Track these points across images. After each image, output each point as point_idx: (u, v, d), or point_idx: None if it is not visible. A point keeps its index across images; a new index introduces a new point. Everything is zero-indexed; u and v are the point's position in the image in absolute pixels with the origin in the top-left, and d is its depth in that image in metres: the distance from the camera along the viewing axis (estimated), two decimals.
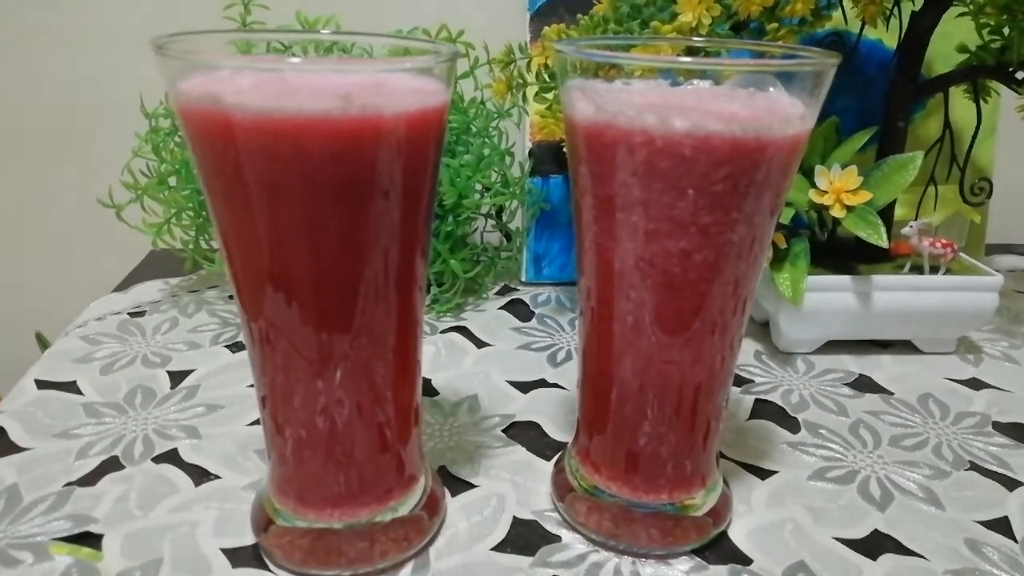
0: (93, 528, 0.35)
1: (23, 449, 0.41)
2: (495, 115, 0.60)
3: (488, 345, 0.54)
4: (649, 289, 0.30)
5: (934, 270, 0.52)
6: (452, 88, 0.30)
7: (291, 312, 0.29)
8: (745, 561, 0.34)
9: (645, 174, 0.28)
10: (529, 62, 0.53)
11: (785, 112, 0.28)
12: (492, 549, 0.34)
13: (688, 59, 0.32)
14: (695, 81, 0.30)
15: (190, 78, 0.26)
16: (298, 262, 0.28)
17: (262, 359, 0.31)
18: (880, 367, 0.52)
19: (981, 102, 0.55)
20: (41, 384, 0.47)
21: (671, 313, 0.31)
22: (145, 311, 0.58)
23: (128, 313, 0.57)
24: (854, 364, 0.52)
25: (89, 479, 0.38)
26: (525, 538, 0.35)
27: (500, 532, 0.35)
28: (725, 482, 0.37)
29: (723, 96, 0.29)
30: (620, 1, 0.47)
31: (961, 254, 0.53)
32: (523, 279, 0.65)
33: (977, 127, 0.54)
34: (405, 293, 0.31)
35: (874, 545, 0.35)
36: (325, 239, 0.28)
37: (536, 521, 0.36)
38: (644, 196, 0.28)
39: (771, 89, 0.29)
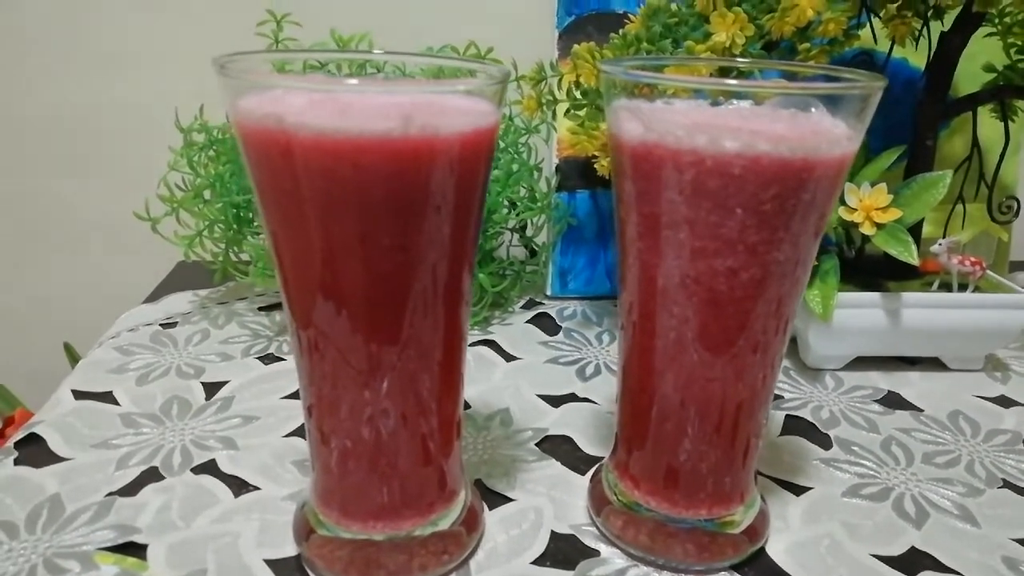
0: (137, 538, 0.35)
1: (63, 459, 0.41)
2: (523, 131, 0.60)
3: (517, 359, 0.54)
4: (694, 306, 0.31)
5: (962, 288, 0.52)
6: (502, 109, 0.30)
7: (341, 323, 0.30)
8: None
9: (693, 193, 0.28)
10: (560, 79, 0.54)
11: (833, 133, 0.28)
12: (532, 563, 0.35)
13: (739, 81, 0.33)
14: (735, 101, 0.31)
15: (250, 97, 0.27)
16: (350, 276, 0.29)
17: (310, 368, 0.32)
18: (908, 384, 0.52)
19: (1008, 121, 0.55)
20: (78, 394, 0.48)
21: (715, 330, 0.31)
22: (176, 322, 0.58)
23: (160, 324, 0.58)
24: (883, 381, 0.53)
25: (130, 489, 0.39)
26: (564, 552, 0.36)
27: (539, 546, 0.36)
28: (762, 498, 0.38)
29: (766, 116, 0.29)
30: (653, 21, 0.48)
31: (989, 272, 0.54)
32: (548, 293, 0.65)
33: (1005, 146, 0.55)
34: (452, 307, 0.32)
35: (912, 562, 0.35)
36: (378, 254, 0.28)
37: (574, 535, 0.37)
38: (692, 215, 0.29)
39: (813, 110, 0.30)
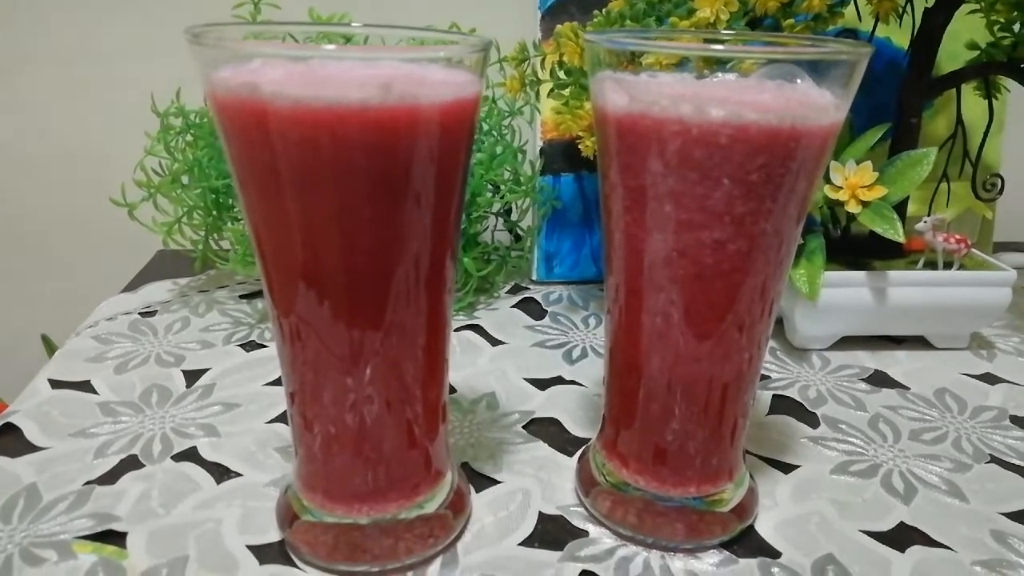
0: (116, 526, 0.35)
1: (40, 448, 0.40)
2: (507, 113, 0.59)
3: (503, 343, 0.54)
4: (681, 281, 0.30)
5: (947, 265, 0.52)
6: (484, 80, 0.30)
7: (322, 306, 0.29)
8: (774, 554, 0.34)
9: (679, 164, 0.28)
10: (543, 59, 0.53)
11: (820, 102, 0.28)
12: (520, 544, 0.34)
13: (725, 47, 0.32)
14: (720, 74, 0.30)
15: (224, 68, 0.26)
16: (331, 256, 0.28)
17: (292, 355, 0.31)
18: (895, 363, 0.52)
19: (992, 99, 0.55)
20: (55, 383, 0.47)
21: (702, 306, 0.31)
22: (156, 311, 0.57)
23: (139, 313, 0.57)
24: (869, 360, 0.52)
25: (109, 477, 0.38)
26: (552, 533, 0.35)
27: (527, 527, 0.35)
28: (751, 476, 0.37)
29: (752, 88, 0.29)
30: None
31: (973, 250, 0.54)
32: (534, 278, 0.65)
33: (989, 123, 0.55)
34: (435, 290, 0.31)
35: (901, 537, 0.35)
36: (358, 232, 0.28)
37: (562, 516, 0.36)
38: (678, 186, 0.28)
39: (799, 81, 0.29)
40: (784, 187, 0.29)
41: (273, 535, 0.34)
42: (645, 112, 0.28)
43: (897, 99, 0.53)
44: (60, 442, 0.41)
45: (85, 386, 0.47)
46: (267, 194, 0.28)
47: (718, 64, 0.30)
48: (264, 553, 0.33)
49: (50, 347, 0.76)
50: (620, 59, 0.30)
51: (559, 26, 0.50)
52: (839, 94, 0.29)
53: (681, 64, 0.30)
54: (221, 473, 0.39)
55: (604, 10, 0.49)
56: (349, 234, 0.28)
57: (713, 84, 0.30)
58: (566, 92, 0.51)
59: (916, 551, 0.34)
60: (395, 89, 0.25)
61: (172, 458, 0.40)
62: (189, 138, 0.56)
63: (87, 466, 0.39)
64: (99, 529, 0.34)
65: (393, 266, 0.29)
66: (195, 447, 0.41)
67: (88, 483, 0.37)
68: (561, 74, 0.51)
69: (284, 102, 0.25)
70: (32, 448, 0.40)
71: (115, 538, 0.34)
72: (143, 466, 0.39)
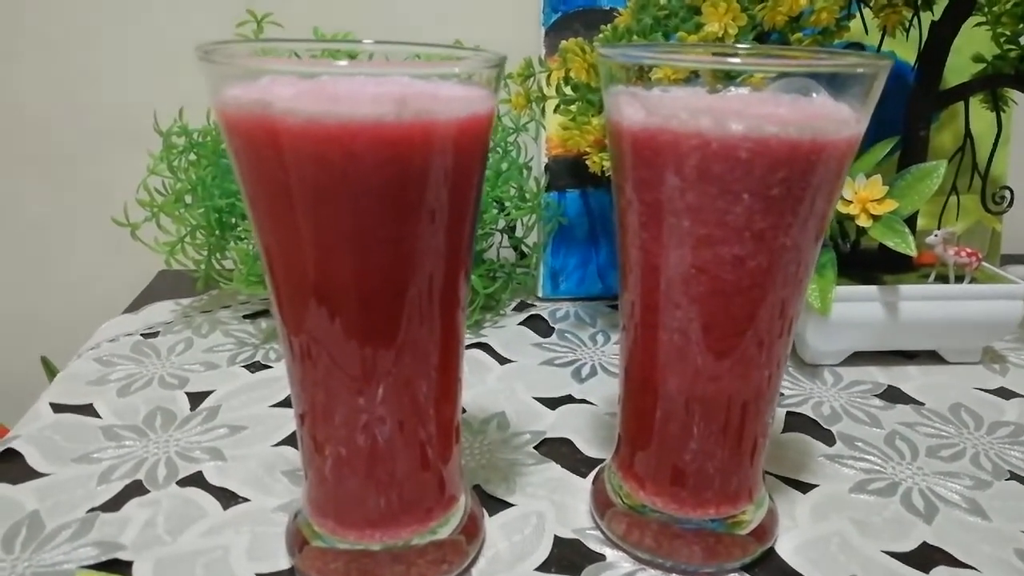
0: (121, 555, 0.34)
1: (42, 475, 0.39)
2: (512, 130, 0.59)
3: (511, 361, 0.53)
4: (700, 298, 0.30)
5: (959, 279, 0.51)
6: (497, 96, 0.29)
7: (334, 327, 0.28)
8: None
9: (698, 178, 0.27)
10: (548, 75, 0.53)
11: (839, 115, 0.27)
12: (536, 569, 0.33)
13: (742, 60, 0.31)
14: (732, 89, 0.30)
15: (235, 85, 0.25)
16: (343, 274, 0.27)
17: (302, 375, 0.30)
18: (908, 378, 0.52)
19: (1000, 111, 0.55)
20: (57, 407, 0.46)
21: (721, 323, 0.30)
22: (158, 332, 0.57)
23: (141, 334, 0.56)
24: (881, 375, 0.52)
25: (113, 504, 0.37)
26: (568, 557, 0.34)
27: (542, 552, 0.34)
28: (770, 497, 0.37)
29: (769, 102, 0.28)
30: (643, 13, 0.47)
31: (984, 263, 0.53)
32: (540, 295, 0.64)
33: (997, 136, 0.54)
34: (449, 309, 0.31)
35: (925, 558, 0.34)
36: (371, 251, 0.27)
37: (578, 540, 0.35)
38: (697, 201, 0.28)
39: (814, 95, 0.29)
40: (804, 201, 0.28)
41: (283, 562, 0.33)
42: (663, 126, 0.27)
43: (904, 113, 0.53)
44: (63, 468, 0.40)
45: (87, 410, 0.46)
46: (278, 212, 0.27)
47: (729, 79, 0.30)
48: None
49: (50, 370, 0.75)
50: (631, 74, 0.29)
51: (564, 42, 0.50)
52: (857, 107, 0.28)
53: (692, 79, 0.30)
54: (228, 498, 0.38)
55: (611, 25, 0.48)
56: (362, 252, 0.27)
57: (728, 98, 0.29)
58: (573, 108, 0.50)
59: (941, 572, 0.34)
60: (410, 105, 0.25)
61: (177, 483, 0.39)
62: (192, 157, 0.55)
63: (91, 492, 0.38)
64: (104, 558, 0.33)
65: (407, 284, 0.28)
66: (201, 471, 0.40)
67: (92, 510, 0.37)
68: (568, 90, 0.51)
69: (296, 119, 0.24)
70: (34, 474, 0.39)
71: (120, 567, 0.33)
72: (148, 492, 0.38)
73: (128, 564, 0.33)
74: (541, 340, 0.57)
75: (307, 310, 0.28)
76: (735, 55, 0.34)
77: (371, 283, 0.28)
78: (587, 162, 0.52)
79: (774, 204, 0.28)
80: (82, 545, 0.34)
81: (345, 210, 0.26)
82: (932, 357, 0.54)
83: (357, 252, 0.27)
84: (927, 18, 0.51)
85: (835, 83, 0.28)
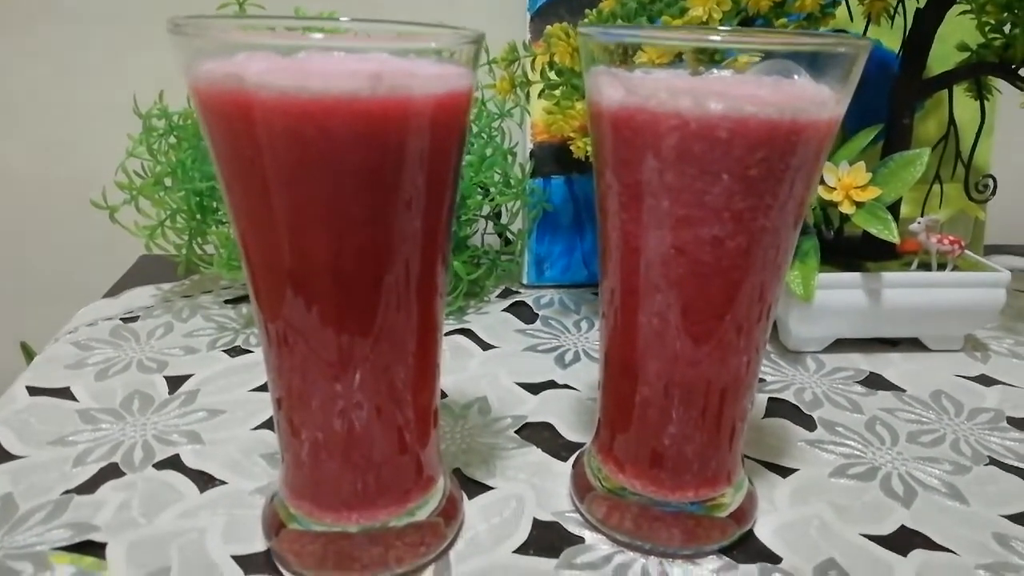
0: (95, 536, 0.33)
1: (17, 457, 0.39)
2: (497, 115, 0.59)
3: (494, 347, 0.53)
4: (679, 280, 0.30)
5: (941, 267, 0.52)
6: (476, 74, 0.29)
7: (310, 312, 0.28)
8: (774, 559, 0.33)
9: (677, 159, 0.27)
10: (533, 60, 0.52)
11: (820, 96, 0.27)
12: (514, 552, 0.33)
13: (723, 38, 0.31)
14: (715, 71, 0.30)
15: (208, 60, 0.25)
16: (319, 258, 0.27)
17: (279, 360, 0.30)
18: (890, 365, 0.52)
19: (984, 100, 0.55)
20: (33, 391, 0.45)
21: (700, 306, 0.30)
22: (138, 316, 0.56)
23: (120, 319, 0.56)
24: (864, 362, 0.52)
25: (88, 486, 0.37)
26: (547, 540, 0.34)
27: (521, 534, 0.34)
28: (749, 480, 0.37)
29: (751, 82, 0.28)
30: None
31: (967, 251, 0.53)
32: (524, 281, 0.64)
33: (981, 125, 0.54)
34: (426, 295, 0.30)
35: (902, 541, 0.35)
36: (347, 233, 0.27)
37: (557, 522, 0.35)
38: (676, 181, 0.28)
39: (795, 77, 0.29)
40: (784, 182, 0.28)
41: (259, 544, 0.33)
42: (642, 106, 0.27)
43: (889, 100, 0.53)
44: (38, 450, 0.39)
45: (64, 393, 0.45)
46: (253, 193, 0.27)
47: (712, 61, 0.30)
48: (249, 563, 0.32)
49: (29, 355, 0.74)
50: (614, 55, 0.29)
51: (549, 27, 0.49)
52: (837, 89, 0.28)
53: (675, 62, 0.30)
54: (205, 481, 0.37)
55: (595, 9, 0.48)
56: (337, 234, 0.27)
57: (709, 80, 0.29)
58: (557, 92, 0.50)
59: (918, 555, 0.34)
60: (386, 80, 0.24)
61: (154, 466, 0.38)
62: (172, 140, 0.55)
63: (65, 475, 0.37)
64: (77, 540, 0.33)
65: (383, 268, 0.28)
66: (178, 455, 0.39)
67: (66, 492, 0.36)
68: (552, 75, 0.50)
69: (269, 94, 0.24)
70: (8, 457, 0.39)
71: (94, 549, 0.33)
72: (124, 475, 0.38)
73: (102, 546, 0.33)
74: (525, 327, 0.57)
75: (283, 294, 0.28)
76: (716, 34, 0.33)
77: (347, 267, 0.27)
78: (571, 147, 0.52)
79: (753, 184, 0.27)
80: (55, 527, 0.34)
81: (320, 190, 0.26)
82: (914, 344, 0.54)
83: (332, 234, 0.27)
84: (912, 6, 0.51)
85: (816, 64, 0.28)
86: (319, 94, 0.24)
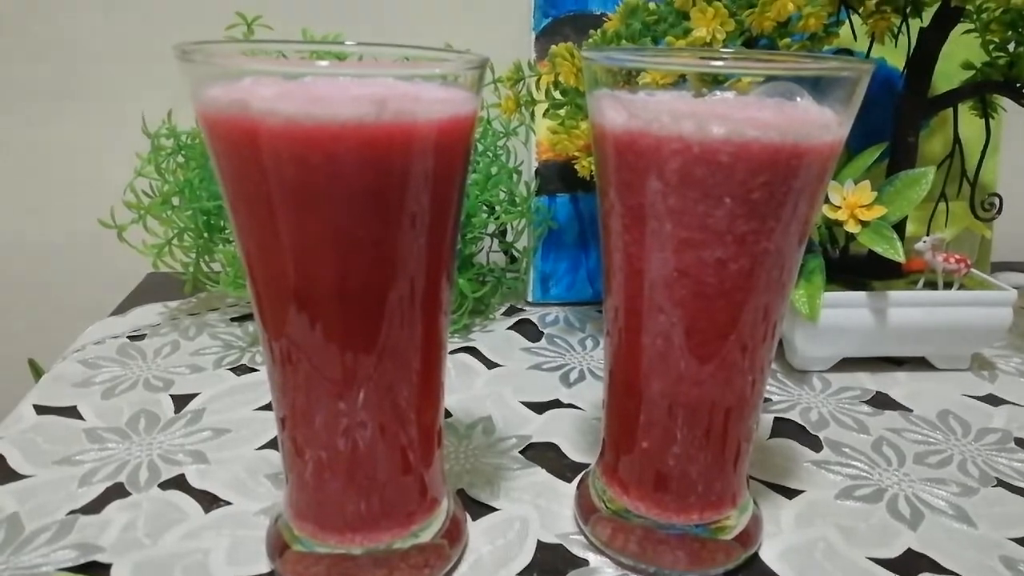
0: (100, 557, 0.33)
1: (23, 476, 0.39)
2: (502, 134, 0.59)
3: (499, 366, 0.53)
4: (682, 302, 0.30)
5: (947, 286, 0.51)
6: (480, 98, 0.29)
7: (315, 330, 0.28)
8: None
9: (680, 182, 0.27)
10: (538, 80, 0.53)
11: (822, 119, 0.27)
12: (518, 574, 0.33)
13: (725, 63, 0.31)
14: (717, 93, 0.30)
15: (214, 85, 0.25)
16: (324, 278, 0.27)
17: (283, 379, 0.30)
18: (896, 384, 0.51)
19: (989, 118, 0.55)
20: (40, 409, 0.46)
21: (704, 327, 0.30)
22: (145, 334, 0.56)
23: (127, 337, 0.56)
24: (870, 381, 0.52)
25: (94, 507, 0.37)
26: (551, 562, 0.34)
27: (525, 557, 0.34)
28: (755, 502, 0.36)
29: (753, 105, 0.28)
30: (632, 18, 0.47)
31: (973, 270, 0.53)
32: (530, 299, 0.64)
33: (986, 143, 0.54)
34: (431, 313, 0.30)
35: (909, 565, 0.34)
36: (352, 254, 0.27)
37: (561, 544, 0.35)
38: (679, 205, 0.28)
39: (798, 99, 0.29)
40: (786, 205, 0.28)
41: (263, 566, 0.33)
42: (645, 130, 0.27)
43: (894, 119, 0.53)
44: (44, 470, 0.40)
45: (71, 412, 0.45)
46: (258, 215, 0.27)
47: (716, 83, 0.30)
48: None
49: (38, 372, 0.75)
50: (617, 78, 0.29)
51: (554, 46, 0.50)
52: (840, 111, 0.28)
53: (678, 83, 0.30)
54: (210, 501, 0.37)
55: (600, 30, 0.48)
56: (342, 255, 0.27)
57: (712, 102, 0.29)
58: (562, 112, 0.50)
59: None
60: (390, 106, 0.24)
61: (159, 486, 0.38)
62: (180, 159, 0.55)
63: (71, 495, 0.38)
64: (82, 560, 0.33)
65: (387, 288, 0.28)
66: (183, 474, 0.39)
67: (72, 512, 0.36)
68: (556, 94, 0.51)
69: (276, 120, 0.24)
70: (15, 476, 0.39)
71: (99, 570, 0.33)
72: (129, 495, 0.38)
73: (107, 567, 0.33)
74: (530, 344, 0.57)
75: (287, 313, 0.28)
76: (719, 59, 0.34)
77: (352, 286, 0.28)
78: (576, 166, 0.52)
79: (756, 208, 0.27)
80: (61, 547, 0.34)
81: (325, 213, 0.26)
82: (921, 363, 0.54)
83: (337, 255, 0.27)
84: (916, 24, 0.52)
85: (819, 87, 0.28)
86: (324, 120, 0.24)
